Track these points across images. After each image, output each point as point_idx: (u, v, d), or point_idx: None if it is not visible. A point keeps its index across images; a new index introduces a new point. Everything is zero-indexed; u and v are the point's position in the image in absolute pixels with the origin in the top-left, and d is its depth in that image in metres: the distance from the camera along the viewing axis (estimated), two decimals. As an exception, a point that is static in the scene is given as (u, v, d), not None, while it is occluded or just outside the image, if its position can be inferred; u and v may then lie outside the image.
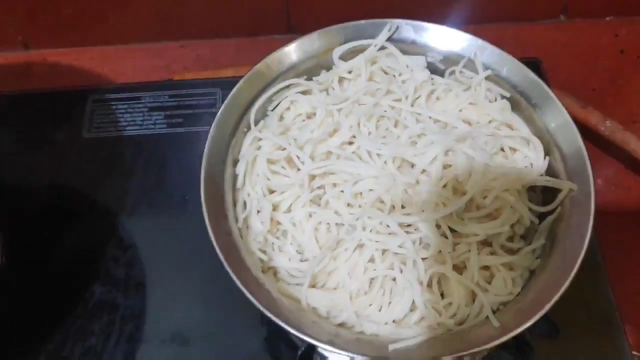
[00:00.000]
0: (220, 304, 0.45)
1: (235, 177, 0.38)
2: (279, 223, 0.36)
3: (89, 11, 0.59)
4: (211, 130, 0.36)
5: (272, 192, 0.37)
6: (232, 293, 0.45)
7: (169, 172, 0.52)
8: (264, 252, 0.35)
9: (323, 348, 0.29)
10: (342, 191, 0.35)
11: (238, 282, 0.31)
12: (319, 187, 0.36)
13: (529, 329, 0.39)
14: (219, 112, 0.37)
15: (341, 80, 0.40)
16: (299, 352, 0.40)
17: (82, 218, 0.50)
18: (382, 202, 0.34)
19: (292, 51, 0.40)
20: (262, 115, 0.40)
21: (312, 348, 0.41)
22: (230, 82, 0.56)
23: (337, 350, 0.29)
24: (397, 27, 0.40)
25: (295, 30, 0.63)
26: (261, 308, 0.30)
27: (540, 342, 0.43)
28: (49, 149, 0.53)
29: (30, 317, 0.45)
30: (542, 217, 0.36)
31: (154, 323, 0.45)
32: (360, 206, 0.34)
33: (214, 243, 0.33)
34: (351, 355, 0.29)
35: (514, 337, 0.42)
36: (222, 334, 0.44)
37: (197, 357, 0.43)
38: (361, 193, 0.34)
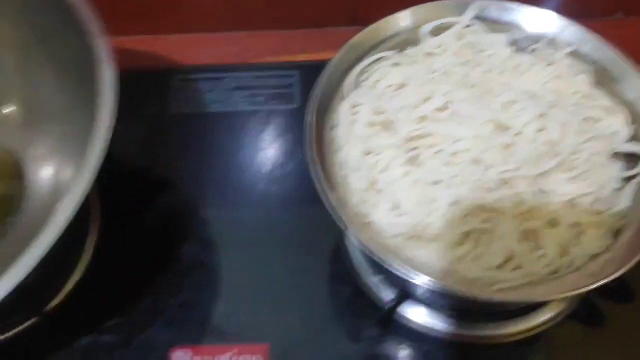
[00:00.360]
0: (302, 264, 0.48)
1: (332, 141, 0.41)
2: (375, 182, 0.39)
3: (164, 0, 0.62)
4: (313, 96, 0.39)
5: (368, 154, 0.40)
6: (314, 255, 0.49)
7: (252, 146, 0.55)
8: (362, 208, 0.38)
9: (434, 284, 0.32)
10: (438, 152, 0.37)
11: (348, 227, 0.34)
12: (414, 149, 0.38)
13: (603, 294, 0.41)
14: (319, 81, 0.40)
15: (429, 55, 0.43)
16: (387, 307, 0.42)
17: (171, 186, 0.53)
18: (477, 162, 0.37)
19: (384, 27, 0.43)
20: (354, 86, 0.43)
21: (397, 304, 0.43)
22: (306, 65, 0.60)
23: (448, 287, 0.31)
24: (483, 6, 0.43)
25: (359, 22, 0.66)
26: (373, 250, 0.33)
27: (612, 310, 0.45)
28: (140, 124, 0.57)
29: (128, 274, 0.48)
30: (626, 181, 0.38)
31: (240, 280, 0.48)
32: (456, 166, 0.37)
33: (323, 195, 0.35)
34: (460, 293, 0.31)
35: (586, 305, 0.44)
36: (305, 293, 0.47)
37: (282, 312, 0.46)
38: (456, 153, 0.37)
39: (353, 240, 0.33)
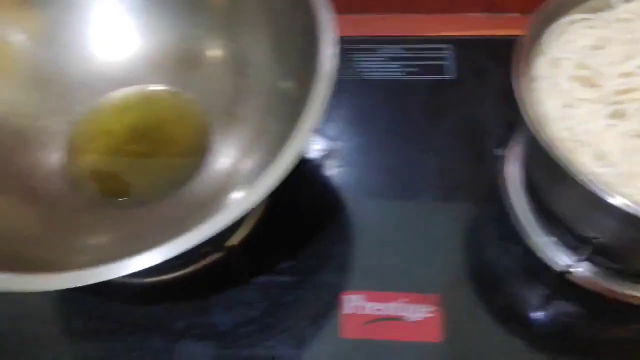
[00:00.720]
0: (469, 223, 0.50)
1: (530, 93, 0.42)
2: (577, 133, 0.39)
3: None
4: (520, 47, 0.41)
5: (569, 107, 0.41)
6: (480, 215, 0.50)
7: (408, 111, 0.57)
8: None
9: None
10: (646, 105, 0.38)
11: (576, 175, 0.35)
12: (619, 103, 0.39)
13: None
14: (525, 35, 0.41)
15: (623, 20, 0.44)
16: (566, 266, 0.43)
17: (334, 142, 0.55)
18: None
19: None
20: (553, 43, 0.44)
21: (580, 262, 0.44)
22: (459, 40, 0.61)
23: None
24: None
25: (491, 9, 0.68)
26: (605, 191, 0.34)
27: None
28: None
29: (299, 221, 0.51)
30: None
31: (409, 233, 0.50)
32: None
33: (538, 135, 0.37)
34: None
35: None
36: (473, 250, 0.48)
37: (450, 266, 0.48)
38: (668, 107, 0.38)
39: (582, 181, 0.34)
